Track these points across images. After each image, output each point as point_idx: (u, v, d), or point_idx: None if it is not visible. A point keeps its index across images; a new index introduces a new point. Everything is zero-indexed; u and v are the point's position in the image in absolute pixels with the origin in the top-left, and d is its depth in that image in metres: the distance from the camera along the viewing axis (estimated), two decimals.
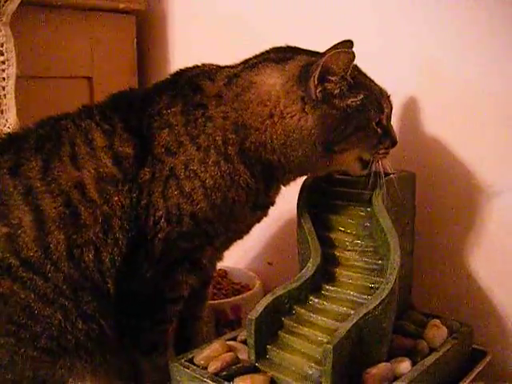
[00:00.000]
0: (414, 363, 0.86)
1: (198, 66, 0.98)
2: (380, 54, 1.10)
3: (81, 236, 0.87)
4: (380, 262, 0.89)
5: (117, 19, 1.45)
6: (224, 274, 1.39)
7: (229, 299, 1.22)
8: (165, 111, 0.92)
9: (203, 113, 0.91)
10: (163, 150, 0.90)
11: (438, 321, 0.96)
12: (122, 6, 1.42)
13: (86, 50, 1.41)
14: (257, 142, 0.90)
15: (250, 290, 1.29)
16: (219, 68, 0.96)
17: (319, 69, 0.85)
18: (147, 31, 1.58)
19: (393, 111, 0.97)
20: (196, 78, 0.94)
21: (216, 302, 1.21)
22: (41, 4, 1.30)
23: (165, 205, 0.89)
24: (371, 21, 1.14)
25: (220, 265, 1.35)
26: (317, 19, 1.22)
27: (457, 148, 1.05)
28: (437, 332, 0.93)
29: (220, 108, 0.90)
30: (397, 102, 1.01)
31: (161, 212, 0.89)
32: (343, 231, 0.95)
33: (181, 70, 0.99)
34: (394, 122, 0.99)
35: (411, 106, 1.10)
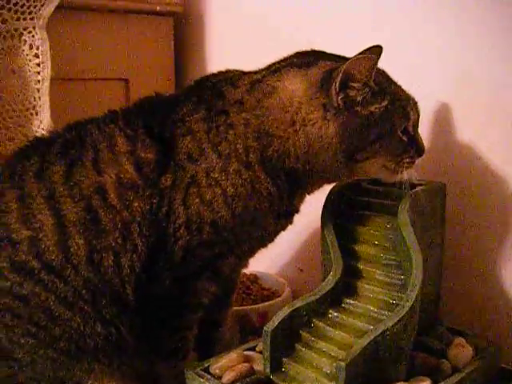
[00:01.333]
0: (435, 383, 0.83)
1: (221, 72, 0.98)
2: (411, 60, 1.08)
3: (100, 241, 0.87)
4: (403, 276, 0.87)
5: (154, 21, 1.46)
6: (254, 278, 1.39)
7: (255, 306, 1.21)
8: (188, 118, 0.91)
9: (225, 120, 0.90)
10: (185, 156, 0.89)
11: (463, 340, 0.92)
12: (158, 8, 1.43)
13: (123, 52, 1.42)
14: (279, 150, 0.89)
15: (279, 296, 1.27)
16: (242, 74, 0.95)
17: (340, 75, 0.84)
18: (184, 33, 1.58)
19: (422, 118, 0.94)
20: (219, 84, 0.94)
21: (242, 308, 1.20)
22: (78, 8, 1.32)
23: (185, 212, 0.89)
24: (404, 28, 1.11)
25: (251, 269, 1.35)
26: (352, 25, 1.20)
27: (490, 157, 1.01)
28: (461, 352, 0.89)
29: (241, 115, 0.89)
30: (427, 109, 0.98)
31: (181, 219, 0.89)
32: (367, 243, 0.93)
33: (205, 76, 0.99)
34: (424, 129, 0.96)
35: (441, 113, 1.07)
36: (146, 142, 0.90)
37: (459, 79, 1.04)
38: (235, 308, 1.19)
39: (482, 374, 0.90)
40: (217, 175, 0.88)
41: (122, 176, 0.88)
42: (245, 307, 1.21)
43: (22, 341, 0.89)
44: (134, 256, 0.88)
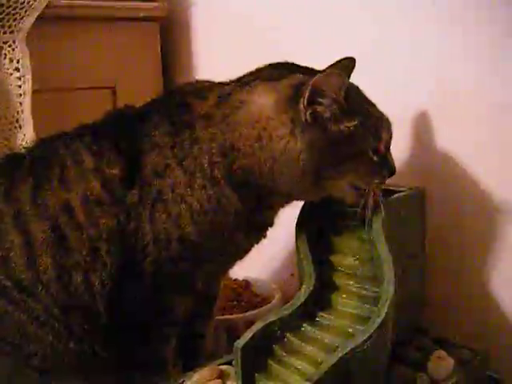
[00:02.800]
0: None
1: (190, 84, 0.96)
2: (392, 68, 1.06)
3: (68, 259, 0.87)
4: (377, 290, 0.84)
5: (139, 27, 1.45)
6: (246, 284, 1.37)
7: (242, 315, 1.20)
8: (153, 132, 0.90)
9: (190, 134, 0.88)
10: (151, 172, 0.88)
11: (442, 352, 0.90)
12: (142, 14, 1.41)
13: (109, 60, 1.42)
14: (244, 166, 0.87)
15: (270, 303, 1.26)
16: (213, 85, 0.94)
17: (309, 90, 0.81)
18: (171, 38, 1.57)
19: (403, 124, 0.92)
20: (187, 97, 0.92)
21: (229, 317, 1.19)
22: (62, 17, 1.31)
23: (152, 229, 0.88)
24: (382, 36, 1.09)
25: (242, 275, 1.35)
26: (336, 28, 1.18)
27: (470, 163, 0.99)
28: (441, 365, 0.87)
29: (208, 130, 0.88)
30: (407, 116, 0.96)
31: (148, 236, 0.88)
32: (343, 253, 0.91)
33: (175, 87, 0.99)
34: (405, 137, 0.94)
35: (420, 121, 1.04)
36: (112, 158, 0.89)
37: (439, 86, 1.02)
38: (223, 317, 1.18)
39: None
40: (182, 191, 0.87)
41: (89, 193, 0.88)
42: (232, 316, 1.20)
43: None
44: (104, 273, 0.88)
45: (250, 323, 1.16)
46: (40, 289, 0.87)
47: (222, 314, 1.20)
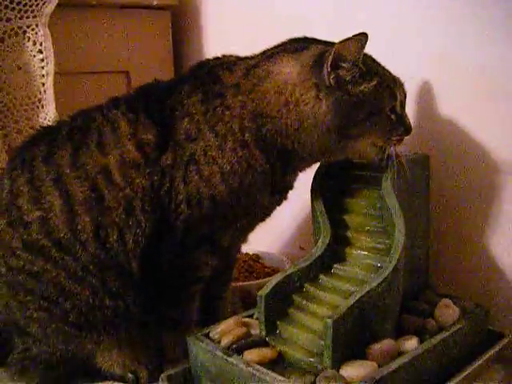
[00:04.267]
0: (422, 342, 0.88)
1: (218, 58, 1.03)
2: (395, 42, 1.13)
3: (105, 218, 0.94)
4: (388, 241, 0.92)
5: (151, 15, 1.53)
6: (257, 258, 1.44)
7: (255, 281, 1.27)
8: (185, 101, 0.97)
9: (221, 102, 0.95)
10: (184, 136, 0.95)
11: (449, 300, 0.97)
12: (155, 2, 1.48)
13: (123, 46, 1.49)
14: (273, 130, 0.94)
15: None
16: (238, 59, 1.01)
17: (332, 56, 0.89)
18: (182, 25, 1.64)
19: (408, 96, 0.99)
20: (216, 69, 0.99)
21: (244, 283, 1.26)
22: (79, 4, 1.38)
23: (185, 189, 0.95)
24: (387, 9, 1.16)
25: (253, 249, 1.41)
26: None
27: (471, 129, 1.06)
28: (447, 311, 0.94)
29: (238, 97, 0.95)
30: (412, 87, 1.03)
31: (182, 196, 0.95)
32: (355, 212, 0.98)
33: (202, 61, 1.04)
34: (409, 106, 1.01)
35: (426, 90, 1.11)
36: (147, 124, 0.96)
37: (443, 55, 1.08)
38: (238, 284, 1.25)
39: (468, 334, 0.94)
40: (214, 153, 0.94)
41: (125, 156, 0.95)
42: (247, 283, 1.27)
43: (35, 315, 0.96)
44: (138, 231, 0.94)
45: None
46: (78, 247, 0.93)
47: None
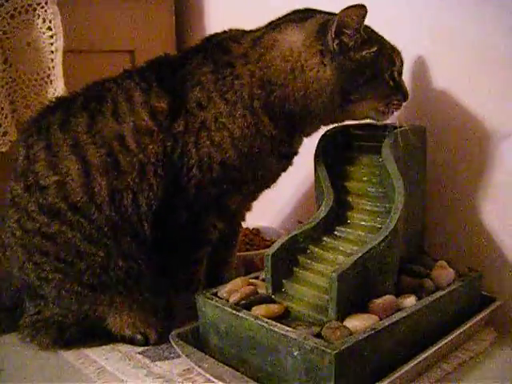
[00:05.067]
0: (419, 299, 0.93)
1: (225, 32, 1.08)
2: (392, 12, 1.18)
3: (120, 182, 0.98)
4: (388, 205, 0.97)
5: None
6: (257, 232, 1.49)
7: (258, 251, 1.32)
8: (196, 70, 1.02)
9: (231, 71, 1.00)
10: (195, 104, 1.00)
11: (444, 262, 1.02)
12: None
13: (127, 26, 1.53)
14: (280, 96, 0.99)
15: None
16: (245, 32, 1.06)
17: (336, 23, 0.94)
18: (185, 6, 1.68)
19: (404, 69, 1.04)
20: (224, 41, 1.04)
21: (247, 253, 1.31)
22: None
23: (197, 154, 0.99)
24: None
25: (253, 224, 1.46)
26: None
27: (464, 100, 1.11)
28: (443, 272, 0.99)
29: (246, 66, 1.00)
30: (408, 61, 1.08)
31: (193, 160, 1.00)
32: (356, 179, 1.04)
33: (210, 35, 1.09)
34: (405, 78, 1.06)
35: (421, 64, 1.16)
36: (159, 93, 1.01)
37: (438, 29, 1.13)
38: (241, 253, 1.29)
39: (463, 295, 1.00)
40: (224, 120, 0.99)
41: (139, 123, 0.99)
42: (250, 252, 1.32)
43: (50, 276, 1.00)
44: (151, 195, 0.99)
45: (263, 258, 1.29)
46: (94, 210, 0.98)
47: None
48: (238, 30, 1.07)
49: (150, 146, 0.98)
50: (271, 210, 1.49)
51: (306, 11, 1.03)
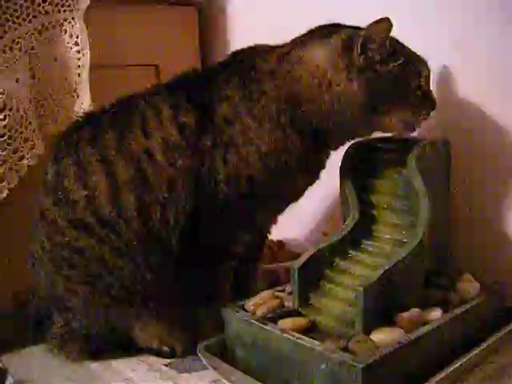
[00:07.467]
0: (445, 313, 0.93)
1: (251, 47, 1.09)
2: (416, 29, 1.17)
3: (148, 197, 0.99)
4: (413, 218, 0.96)
5: (179, 11, 1.60)
6: (281, 244, 1.49)
7: (282, 264, 1.32)
8: (223, 86, 1.03)
9: (258, 87, 1.02)
10: (222, 120, 1.01)
11: (470, 275, 1.02)
12: None
13: (152, 41, 1.54)
14: (307, 111, 1.00)
15: None
16: (271, 48, 1.07)
17: (361, 39, 0.95)
18: (208, 21, 1.71)
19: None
20: (251, 58, 1.06)
21: (271, 265, 1.32)
22: (112, 0, 1.45)
23: (224, 169, 1.01)
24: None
25: (277, 236, 1.46)
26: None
27: (488, 112, 1.11)
28: (468, 285, 0.99)
29: (273, 83, 1.01)
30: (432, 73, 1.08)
31: (221, 175, 1.01)
32: (381, 193, 1.04)
33: (236, 50, 1.11)
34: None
35: (445, 76, 1.17)
36: (187, 108, 1.02)
37: (460, 40, 1.14)
38: (265, 266, 1.30)
39: (488, 308, 1.00)
40: (252, 135, 1.00)
41: (167, 138, 1.01)
42: (274, 265, 1.32)
43: (78, 289, 1.02)
44: (179, 208, 1.00)
45: (289, 271, 1.29)
46: (122, 224, 0.99)
47: None
48: (263, 46, 1.09)
49: (179, 161, 1.00)
50: (295, 222, 1.49)
51: (331, 26, 1.04)
